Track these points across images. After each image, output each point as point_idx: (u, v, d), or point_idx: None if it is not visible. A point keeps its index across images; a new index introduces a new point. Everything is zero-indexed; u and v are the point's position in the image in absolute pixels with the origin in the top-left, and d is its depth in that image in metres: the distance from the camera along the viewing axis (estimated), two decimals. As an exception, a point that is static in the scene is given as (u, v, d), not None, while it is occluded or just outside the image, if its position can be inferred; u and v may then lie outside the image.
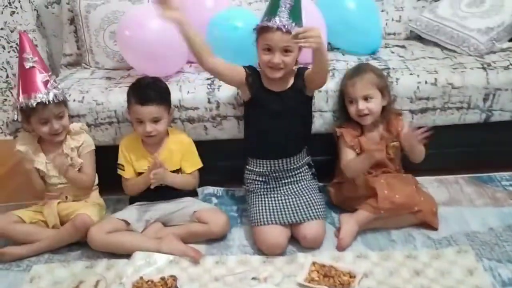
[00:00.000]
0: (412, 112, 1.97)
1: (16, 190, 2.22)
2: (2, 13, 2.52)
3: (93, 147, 1.94)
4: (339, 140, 1.88)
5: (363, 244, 1.75)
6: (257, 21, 1.74)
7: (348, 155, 1.84)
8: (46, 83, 1.80)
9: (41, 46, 2.59)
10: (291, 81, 1.81)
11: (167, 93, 1.87)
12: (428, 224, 1.79)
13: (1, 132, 2.85)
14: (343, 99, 1.89)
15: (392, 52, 2.20)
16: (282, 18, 1.65)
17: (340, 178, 1.93)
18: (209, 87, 2.00)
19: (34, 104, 1.76)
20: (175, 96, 1.94)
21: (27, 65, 1.78)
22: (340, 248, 1.71)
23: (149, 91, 1.80)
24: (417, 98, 1.95)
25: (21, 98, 1.78)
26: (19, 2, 2.50)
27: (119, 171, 1.90)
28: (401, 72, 1.97)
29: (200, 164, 1.94)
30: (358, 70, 1.86)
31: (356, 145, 1.84)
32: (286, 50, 1.70)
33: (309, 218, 1.73)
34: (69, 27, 2.39)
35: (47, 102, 1.77)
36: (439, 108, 1.96)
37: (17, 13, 2.52)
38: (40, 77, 1.79)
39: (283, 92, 1.81)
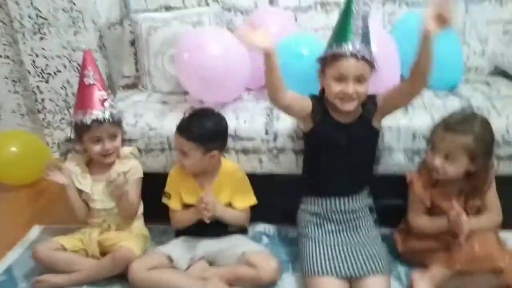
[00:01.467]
0: (498, 158, 1.72)
1: (64, 212, 2.16)
2: (66, 32, 2.52)
3: (141, 175, 1.84)
4: (409, 187, 1.66)
5: (437, 310, 1.50)
6: (323, 48, 1.59)
7: (415, 208, 1.63)
8: (103, 101, 1.74)
9: (101, 66, 2.56)
10: (359, 111, 1.64)
11: (211, 137, 1.68)
12: (513, 291, 1.52)
13: (56, 152, 2.84)
14: None
15: (475, 89, 1.97)
16: (355, 44, 1.50)
17: (408, 226, 1.70)
18: (267, 117, 1.87)
19: (89, 121, 1.70)
20: (231, 125, 1.81)
21: (87, 81, 1.74)
22: (417, 314, 1.48)
23: (192, 122, 1.69)
24: (505, 143, 1.71)
25: (77, 114, 1.74)
26: (83, 21, 2.49)
27: (164, 200, 1.79)
28: (486, 112, 1.73)
29: (253, 201, 1.80)
30: (460, 125, 1.50)
31: (426, 197, 1.60)
32: (359, 80, 1.54)
33: (372, 271, 1.51)
34: (130, 48, 2.36)
35: (102, 120, 1.71)
36: (531, 155, 1.71)
37: (80, 33, 2.52)
38: (98, 94, 1.74)
39: (350, 124, 1.63)
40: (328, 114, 1.64)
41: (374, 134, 1.69)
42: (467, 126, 1.50)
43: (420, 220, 1.62)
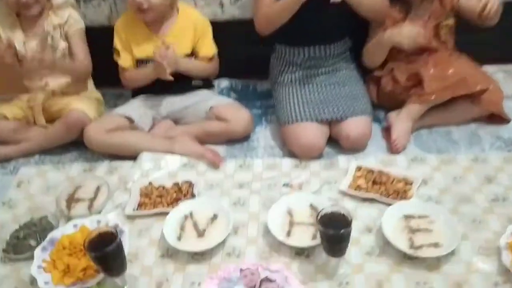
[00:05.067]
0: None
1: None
2: None
3: (82, 25, 1.58)
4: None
5: (417, 146, 1.46)
6: None
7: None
8: None
9: None
10: None
11: None
12: (496, 120, 1.48)
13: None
14: None
15: None
16: None
17: (379, 71, 1.58)
18: (225, -50, 1.60)
19: None
20: (184, -39, 1.55)
21: None
22: (395, 150, 1.42)
23: None
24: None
25: None
26: None
27: (115, 57, 1.57)
28: None
29: (214, 49, 1.59)
30: None
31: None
32: None
33: (353, 113, 1.42)
34: None
35: None
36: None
37: None
38: None
39: None
40: None
41: None
42: None
43: (368, 46, 1.53)
